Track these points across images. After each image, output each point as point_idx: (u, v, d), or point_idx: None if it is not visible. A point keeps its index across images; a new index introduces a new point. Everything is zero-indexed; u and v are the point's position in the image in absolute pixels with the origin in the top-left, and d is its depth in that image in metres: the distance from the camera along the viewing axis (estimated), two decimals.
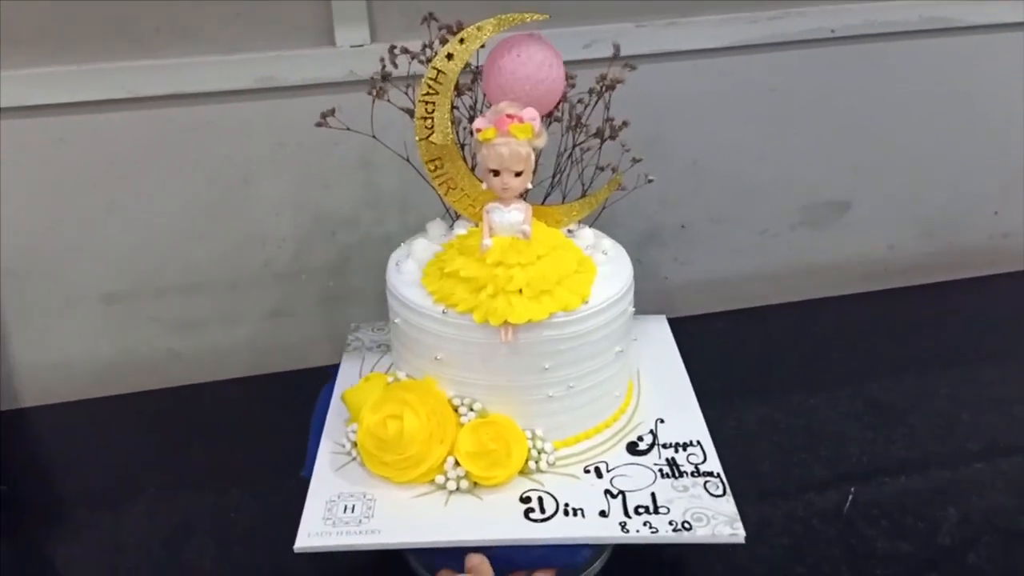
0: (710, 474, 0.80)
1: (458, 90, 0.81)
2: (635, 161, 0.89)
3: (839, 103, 1.21)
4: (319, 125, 0.85)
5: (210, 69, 1.00)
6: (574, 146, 0.87)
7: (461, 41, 0.77)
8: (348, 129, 0.86)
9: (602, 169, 0.89)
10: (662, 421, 0.86)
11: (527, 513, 0.75)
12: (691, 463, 0.81)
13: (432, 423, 0.76)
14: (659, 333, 1.01)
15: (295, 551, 0.72)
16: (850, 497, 0.93)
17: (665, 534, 0.73)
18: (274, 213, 1.09)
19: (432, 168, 0.82)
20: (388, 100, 0.84)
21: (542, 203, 0.87)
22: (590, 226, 0.90)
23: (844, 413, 1.06)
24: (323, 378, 0.94)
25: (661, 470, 0.80)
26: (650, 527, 0.74)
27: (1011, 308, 1.29)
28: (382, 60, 0.84)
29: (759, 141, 1.21)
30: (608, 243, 0.88)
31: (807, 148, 1.23)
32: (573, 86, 0.84)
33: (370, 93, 0.83)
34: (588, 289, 0.80)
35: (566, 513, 0.75)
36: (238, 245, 1.10)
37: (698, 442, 0.84)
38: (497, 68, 0.78)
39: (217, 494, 0.96)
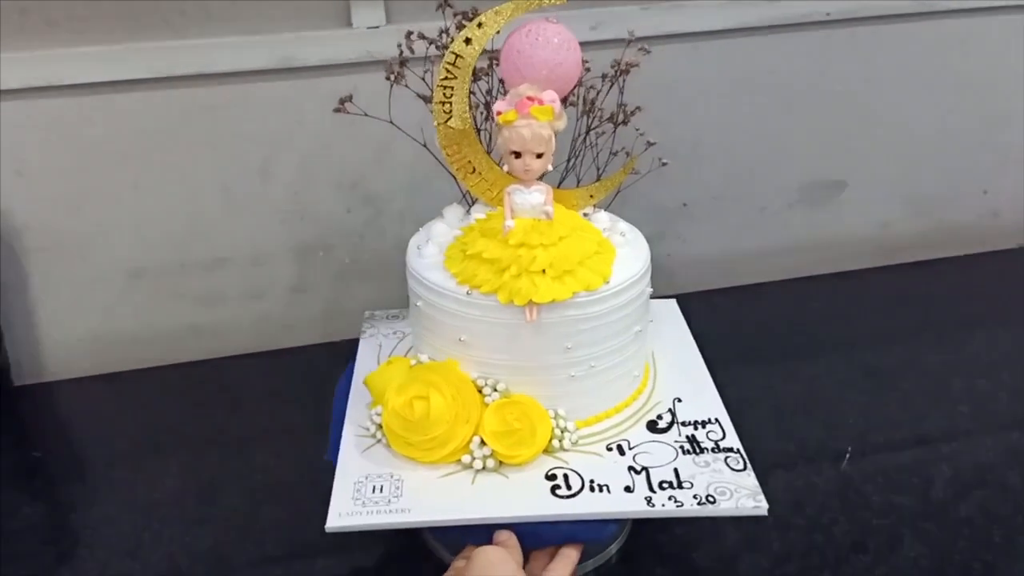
0: (730, 450, 0.82)
1: (475, 75, 0.83)
2: (650, 144, 0.91)
3: (835, 85, 1.25)
4: (337, 111, 0.87)
5: (232, 50, 1.04)
6: (588, 130, 0.89)
7: (479, 25, 0.79)
8: (366, 115, 0.88)
9: (615, 153, 0.91)
10: (679, 400, 0.89)
11: (554, 490, 0.77)
12: (711, 439, 0.83)
13: (457, 403, 0.78)
14: (670, 316, 1.03)
15: (326, 531, 0.73)
16: (847, 455, 0.97)
17: (690, 508, 0.75)
18: (293, 191, 1.13)
19: (450, 153, 0.83)
20: (406, 85, 0.86)
21: (558, 187, 0.89)
22: (605, 209, 0.92)
23: (840, 380, 1.10)
24: (340, 352, 0.98)
25: (682, 447, 0.82)
26: (675, 501, 0.75)
27: (1000, 283, 1.33)
28: (399, 45, 0.86)
29: (758, 122, 1.25)
30: (625, 225, 0.90)
31: (804, 129, 1.27)
32: (588, 70, 0.86)
33: (388, 78, 0.85)
34: (609, 269, 0.81)
35: (592, 489, 0.77)
36: (258, 222, 1.14)
37: (716, 419, 0.86)
38: (516, 52, 0.79)
39: (239, 458, 1.00)
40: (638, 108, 0.89)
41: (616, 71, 0.88)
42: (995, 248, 1.41)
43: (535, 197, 0.79)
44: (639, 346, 0.87)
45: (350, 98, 0.88)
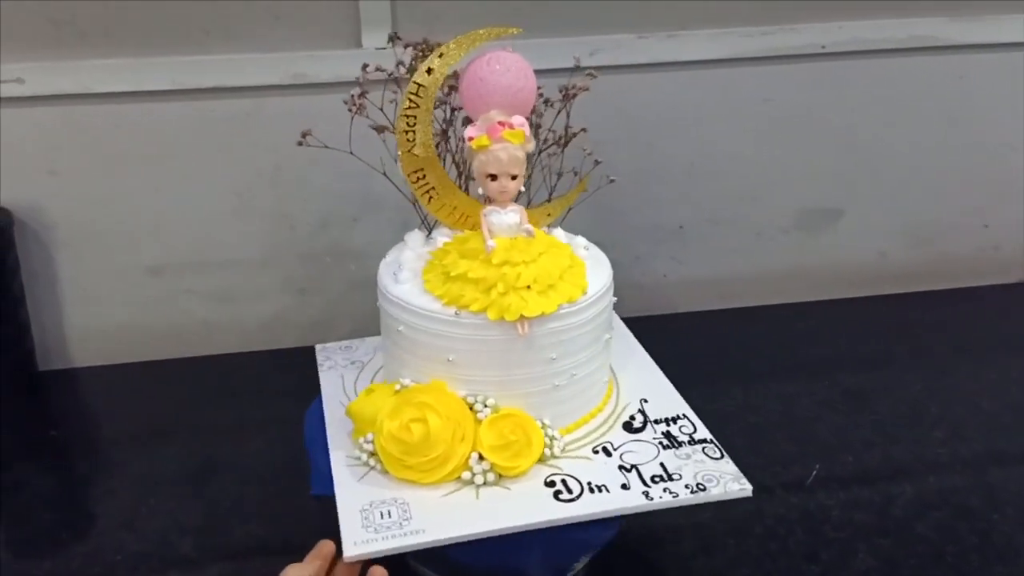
0: (705, 441, 0.86)
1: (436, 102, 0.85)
2: (597, 163, 0.94)
3: (831, 115, 1.29)
4: (300, 144, 0.91)
5: (249, 66, 1.12)
6: (539, 152, 0.92)
7: (441, 56, 0.81)
8: (326, 147, 0.92)
9: (560, 175, 0.94)
10: (646, 401, 0.93)
11: (556, 495, 0.80)
12: (684, 433, 0.87)
13: (453, 422, 0.80)
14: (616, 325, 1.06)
15: (345, 560, 0.74)
16: (814, 472, 1.00)
17: (685, 497, 0.79)
18: (302, 199, 1.21)
19: (415, 179, 0.85)
20: (367, 116, 0.89)
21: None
22: (559, 226, 0.94)
23: (819, 400, 1.13)
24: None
25: (661, 443, 0.86)
26: (670, 492, 0.80)
27: (995, 316, 1.35)
28: (357, 79, 0.89)
29: (754, 148, 1.29)
30: (582, 240, 0.93)
31: (800, 157, 1.31)
32: (542, 94, 0.89)
33: (350, 111, 0.88)
34: (585, 281, 0.85)
35: (591, 491, 0.80)
36: (269, 226, 1.22)
37: (684, 415, 0.90)
38: (479, 79, 0.82)
39: (238, 444, 1.07)
40: (583, 129, 0.92)
41: (565, 95, 0.91)
42: (995, 282, 1.43)
43: (511, 217, 0.83)
44: (607, 352, 0.92)
45: (309, 132, 0.92)
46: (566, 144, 0.92)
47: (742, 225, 1.34)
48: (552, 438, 0.84)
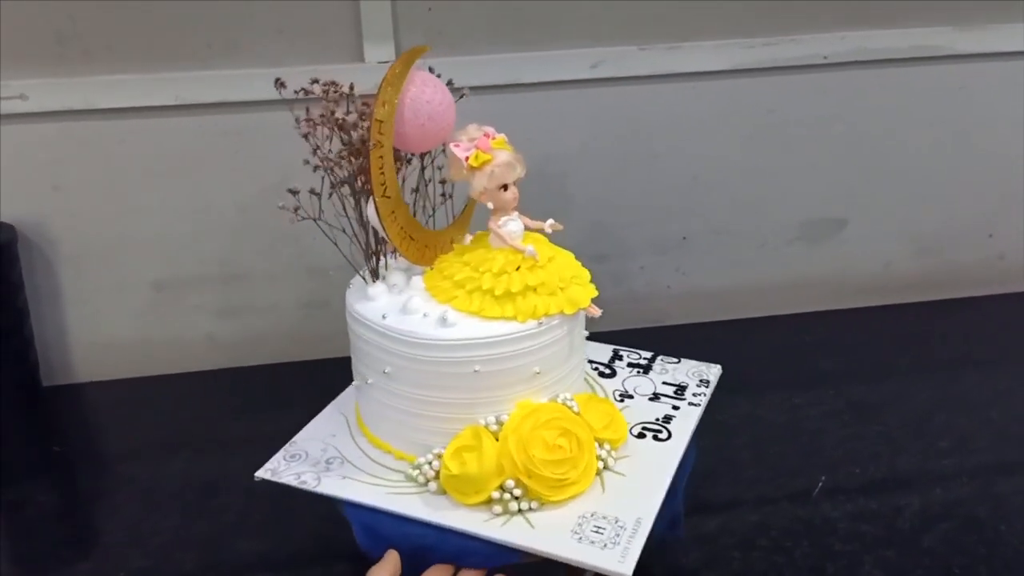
0: (696, 396, 0.92)
1: (344, 129, 0.82)
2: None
3: (835, 125, 1.29)
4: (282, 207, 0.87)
5: (252, 81, 1.12)
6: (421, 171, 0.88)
7: (390, 85, 0.78)
8: (302, 214, 0.89)
9: (416, 190, 0.88)
10: (607, 365, 0.98)
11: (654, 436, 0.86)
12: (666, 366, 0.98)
13: (578, 422, 0.79)
14: None
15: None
16: (820, 483, 1.00)
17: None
18: (306, 213, 1.20)
19: (389, 223, 0.80)
20: (316, 143, 0.85)
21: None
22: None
23: (825, 412, 1.13)
24: (347, 367, 0.99)
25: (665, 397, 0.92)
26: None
27: (1001, 326, 1.34)
28: (296, 125, 0.86)
29: (757, 159, 1.29)
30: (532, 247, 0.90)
31: (804, 167, 1.31)
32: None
33: (303, 135, 0.85)
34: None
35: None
36: (274, 241, 1.22)
37: (653, 356, 0.99)
38: (425, 101, 0.79)
39: (242, 460, 1.06)
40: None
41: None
42: (1000, 291, 1.42)
43: (514, 224, 0.81)
44: None
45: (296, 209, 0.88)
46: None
47: (746, 236, 1.34)
48: (603, 439, 0.83)
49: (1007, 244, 1.42)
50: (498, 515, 0.75)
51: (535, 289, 0.79)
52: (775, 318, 1.37)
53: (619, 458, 0.81)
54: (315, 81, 0.85)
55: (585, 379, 0.91)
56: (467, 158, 0.78)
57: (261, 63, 1.13)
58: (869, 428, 1.09)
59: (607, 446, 0.81)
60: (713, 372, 0.97)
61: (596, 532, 0.73)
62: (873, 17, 1.23)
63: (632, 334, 1.03)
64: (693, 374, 0.96)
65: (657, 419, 0.88)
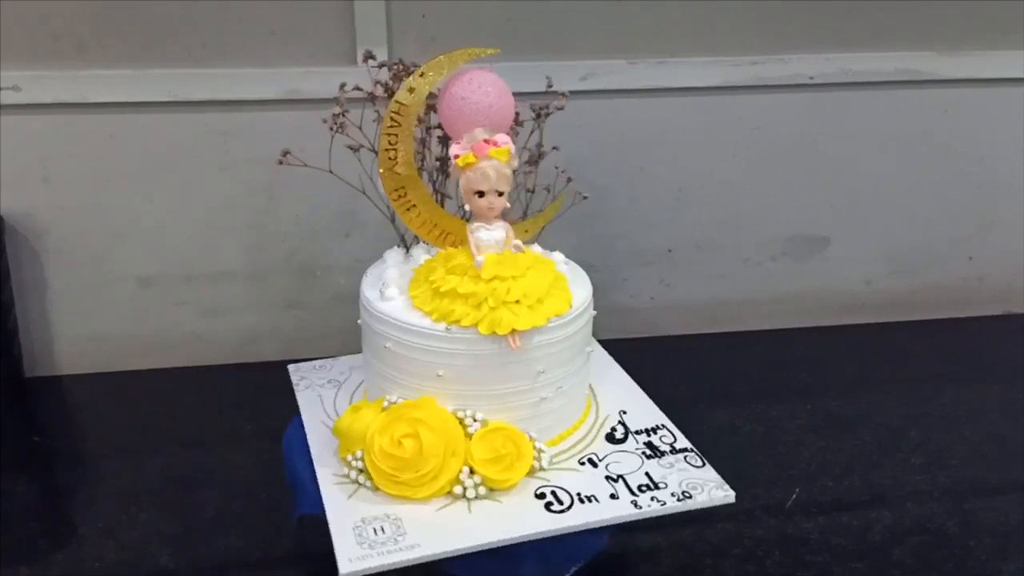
0: (686, 450, 0.89)
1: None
2: (569, 180, 0.95)
3: (819, 145, 1.31)
4: (280, 163, 0.93)
5: (245, 80, 1.13)
6: (513, 172, 0.91)
7: (422, 75, 0.83)
8: (305, 165, 0.94)
9: (532, 191, 0.95)
10: (625, 412, 0.95)
11: (547, 507, 0.81)
12: (666, 443, 0.90)
13: (445, 437, 0.81)
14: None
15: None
16: (794, 495, 1.01)
17: (672, 505, 0.81)
18: (294, 213, 1.22)
19: (396, 197, 0.87)
20: (346, 134, 0.91)
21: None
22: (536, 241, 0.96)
23: (802, 425, 1.14)
24: (330, 368, 1.04)
25: (644, 453, 0.88)
26: (658, 501, 0.82)
27: (979, 346, 1.37)
28: (336, 99, 0.91)
29: (742, 175, 1.31)
30: (560, 255, 0.94)
31: (788, 184, 1.33)
32: (518, 113, 0.90)
33: (331, 129, 0.90)
34: (570, 294, 0.87)
35: (581, 501, 0.82)
36: (261, 240, 1.22)
37: (663, 425, 0.92)
38: (460, 98, 0.83)
39: (223, 456, 1.07)
40: (554, 147, 0.94)
41: (539, 114, 0.93)
42: (979, 313, 1.44)
43: (499, 233, 0.84)
44: (588, 364, 0.93)
45: (288, 152, 0.93)
46: (538, 161, 0.94)
47: (730, 250, 1.36)
48: (540, 451, 0.85)
49: (986, 267, 1.44)
50: (344, 478, 0.84)
51: (465, 297, 0.82)
52: (756, 332, 1.38)
53: (495, 495, 0.82)
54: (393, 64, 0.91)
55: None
56: (456, 157, 0.82)
57: (254, 63, 1.14)
58: (845, 442, 1.10)
59: (475, 478, 0.82)
60: (714, 495, 0.84)
61: (374, 532, 0.78)
62: (859, 39, 1.25)
63: (614, 344, 1.04)
64: (689, 483, 0.85)
65: (579, 494, 0.83)
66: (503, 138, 0.82)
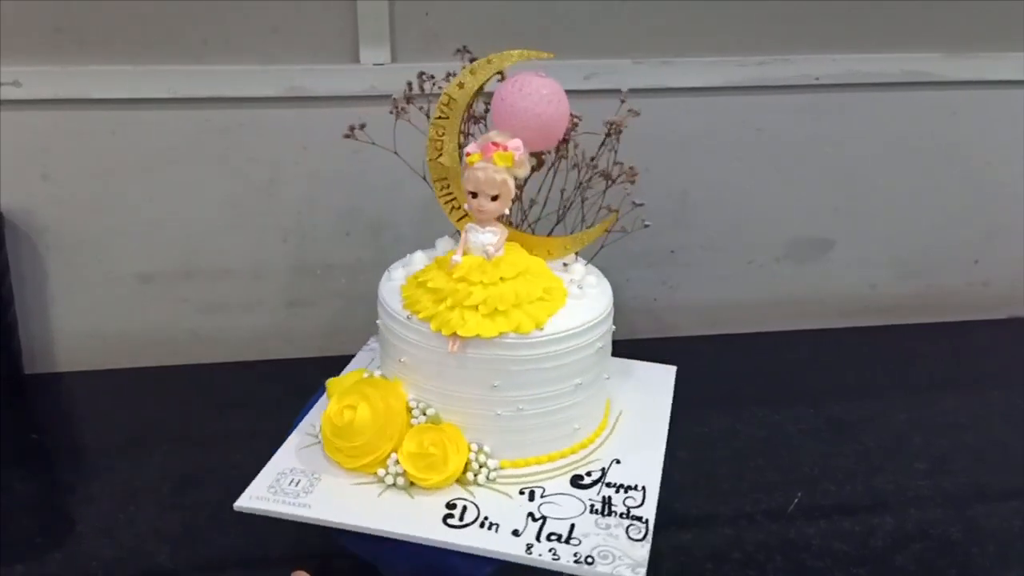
0: (639, 519, 0.82)
1: (475, 118, 0.90)
2: (636, 205, 0.95)
3: (824, 146, 1.30)
4: (347, 137, 0.94)
5: (246, 77, 1.13)
6: (579, 184, 0.94)
7: (472, 72, 0.86)
8: (373, 143, 0.95)
9: (608, 208, 0.94)
10: (618, 462, 0.90)
11: (446, 518, 0.80)
12: (626, 505, 0.84)
13: (383, 419, 0.83)
14: (662, 383, 1.04)
15: (234, 509, 0.81)
16: (796, 500, 1.00)
17: (566, 563, 0.77)
18: (295, 211, 1.21)
19: (440, 188, 0.90)
20: (408, 120, 0.93)
21: (549, 234, 0.95)
22: (589, 261, 0.96)
23: (804, 429, 1.13)
24: (329, 368, 1.03)
25: (593, 506, 0.84)
26: (553, 554, 0.77)
27: (983, 351, 1.35)
28: (408, 83, 0.93)
29: (746, 176, 1.30)
30: (593, 279, 0.92)
31: (793, 186, 1.32)
32: (576, 125, 0.91)
33: (391, 112, 0.93)
34: (545, 317, 0.84)
35: (482, 525, 0.80)
36: (261, 238, 1.22)
37: (643, 487, 0.86)
38: (501, 100, 0.85)
39: (222, 455, 1.06)
40: (632, 169, 0.93)
41: (609, 131, 0.92)
42: (984, 317, 1.43)
43: (486, 237, 0.84)
44: (583, 399, 0.89)
45: (363, 127, 0.94)
46: (610, 183, 0.93)
47: (733, 252, 1.35)
48: (483, 465, 0.85)
49: (992, 271, 1.43)
50: (311, 436, 0.91)
51: (432, 292, 0.84)
52: (759, 334, 1.37)
53: (412, 490, 0.84)
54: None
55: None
56: (468, 153, 0.83)
57: (256, 60, 1.13)
58: (847, 447, 1.10)
59: (398, 468, 0.83)
60: (618, 571, 0.76)
61: (289, 483, 0.84)
62: (865, 41, 1.25)
63: (616, 346, 1.03)
64: (604, 551, 0.78)
65: (487, 518, 0.80)
66: (514, 143, 0.82)
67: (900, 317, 1.41)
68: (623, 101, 0.95)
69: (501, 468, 0.86)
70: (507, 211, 0.85)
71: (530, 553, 0.77)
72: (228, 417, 1.14)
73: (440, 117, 0.87)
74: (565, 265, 0.93)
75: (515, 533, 0.79)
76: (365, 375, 0.89)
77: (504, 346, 0.82)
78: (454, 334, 0.82)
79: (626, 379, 1.03)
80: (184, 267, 1.22)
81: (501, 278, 0.83)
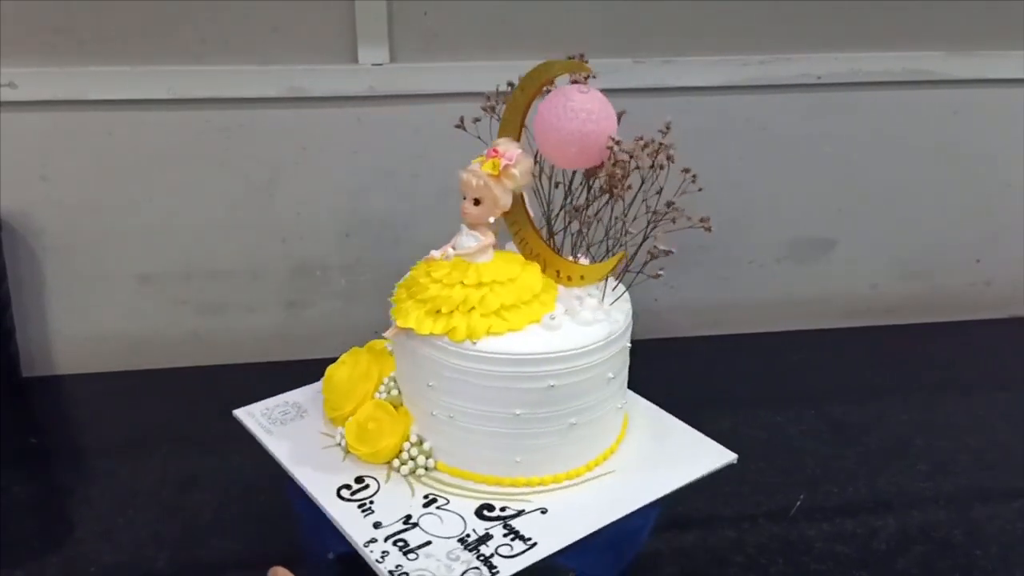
0: (491, 567, 0.80)
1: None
2: (666, 254, 0.97)
3: (826, 145, 1.30)
4: (457, 127, 0.94)
5: (245, 77, 1.12)
6: (587, 204, 0.93)
7: (521, 89, 0.89)
8: (479, 138, 0.94)
9: (648, 237, 0.95)
10: (543, 512, 0.87)
11: (341, 488, 0.87)
12: (497, 552, 0.81)
13: (353, 382, 0.93)
14: (702, 463, 1.02)
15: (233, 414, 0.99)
16: (798, 502, 1.00)
17: (383, 568, 0.79)
18: (294, 212, 1.21)
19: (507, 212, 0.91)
20: (497, 118, 0.94)
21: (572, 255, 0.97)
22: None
23: (805, 430, 1.13)
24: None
25: (467, 536, 0.83)
26: (383, 556, 0.80)
27: (986, 352, 1.34)
28: (497, 87, 0.95)
29: (748, 176, 1.29)
30: (588, 315, 0.91)
31: (794, 186, 1.31)
32: (611, 147, 0.90)
33: (484, 109, 0.95)
34: (483, 331, 0.84)
35: (360, 506, 0.85)
36: (260, 239, 1.21)
37: (535, 544, 0.83)
38: (538, 115, 0.88)
39: (221, 458, 1.06)
40: (673, 204, 0.93)
41: (654, 163, 0.93)
42: (986, 317, 1.43)
43: (466, 240, 0.86)
44: (527, 433, 0.87)
45: (476, 120, 0.95)
46: (660, 218, 0.94)
47: (735, 252, 1.34)
48: (413, 457, 0.89)
49: (994, 271, 1.42)
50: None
51: (409, 282, 0.90)
52: (760, 335, 1.37)
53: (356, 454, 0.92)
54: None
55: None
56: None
57: (254, 60, 1.12)
58: (849, 448, 1.09)
59: (342, 438, 0.94)
60: None
61: (282, 413, 1.02)
62: (867, 39, 1.24)
63: None
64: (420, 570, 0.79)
65: (370, 500, 0.87)
66: (510, 153, 0.82)
67: (902, 317, 1.41)
68: (667, 130, 0.95)
69: (437, 469, 0.89)
70: (492, 219, 0.86)
71: (366, 546, 0.81)
72: (228, 420, 1.13)
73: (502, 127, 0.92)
74: (578, 299, 0.94)
75: (376, 525, 0.83)
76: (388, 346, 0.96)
77: (437, 348, 0.85)
78: (395, 321, 0.87)
79: (670, 442, 1.04)
80: (183, 268, 1.21)
81: (461, 282, 0.84)
